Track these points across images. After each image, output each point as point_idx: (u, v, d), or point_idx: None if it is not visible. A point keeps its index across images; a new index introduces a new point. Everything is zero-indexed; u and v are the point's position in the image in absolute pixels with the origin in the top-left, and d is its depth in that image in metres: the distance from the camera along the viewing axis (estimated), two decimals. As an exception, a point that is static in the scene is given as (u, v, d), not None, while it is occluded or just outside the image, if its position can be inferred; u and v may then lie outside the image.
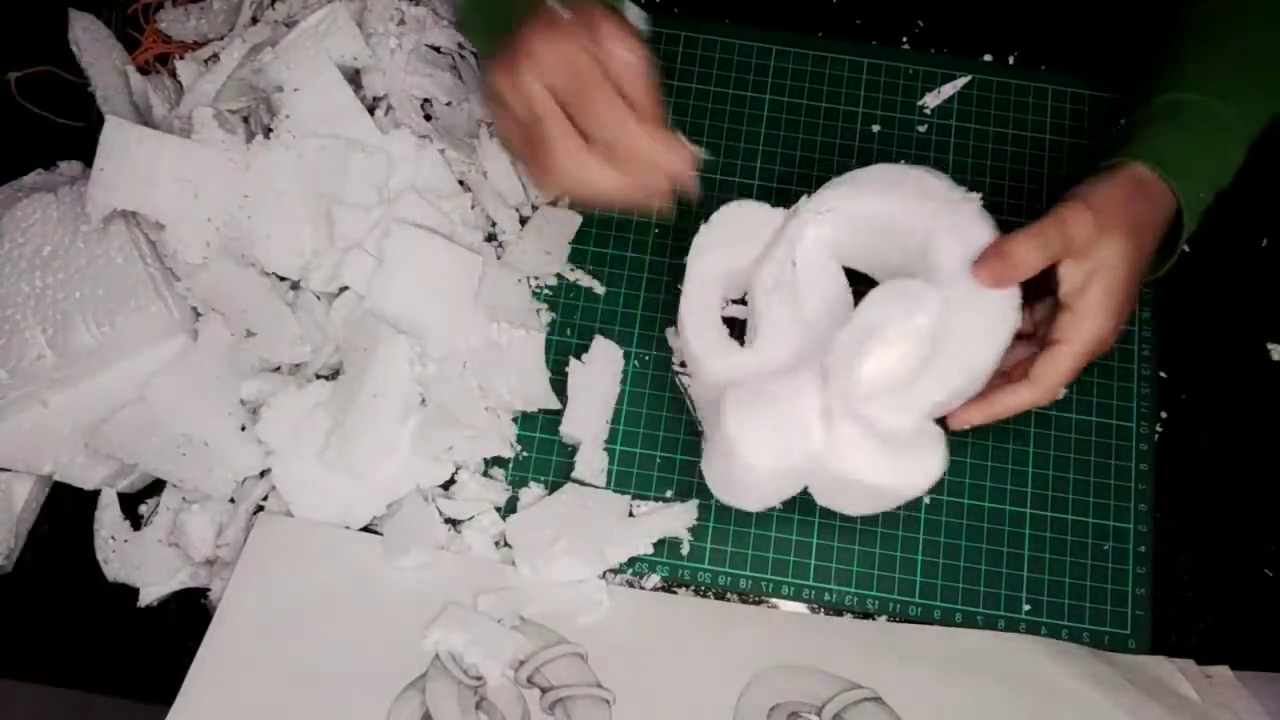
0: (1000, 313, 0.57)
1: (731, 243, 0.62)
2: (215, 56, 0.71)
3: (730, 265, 0.62)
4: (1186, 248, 0.62)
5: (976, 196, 0.60)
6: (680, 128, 0.72)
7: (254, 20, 0.73)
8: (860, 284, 0.65)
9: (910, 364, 0.57)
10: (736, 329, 0.64)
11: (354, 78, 0.70)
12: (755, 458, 0.55)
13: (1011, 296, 0.57)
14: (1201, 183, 0.58)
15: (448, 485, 0.64)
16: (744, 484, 0.59)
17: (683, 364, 0.65)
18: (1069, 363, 0.55)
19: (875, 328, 0.56)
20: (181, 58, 0.72)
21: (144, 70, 0.73)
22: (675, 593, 0.62)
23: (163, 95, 0.70)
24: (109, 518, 0.62)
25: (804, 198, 0.61)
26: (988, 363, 0.57)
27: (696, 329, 0.61)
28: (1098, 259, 0.55)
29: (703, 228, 0.63)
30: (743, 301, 0.65)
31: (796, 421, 0.56)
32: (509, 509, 0.63)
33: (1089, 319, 0.55)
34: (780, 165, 0.72)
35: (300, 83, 0.66)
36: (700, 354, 0.60)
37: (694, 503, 0.63)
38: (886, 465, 0.55)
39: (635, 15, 0.58)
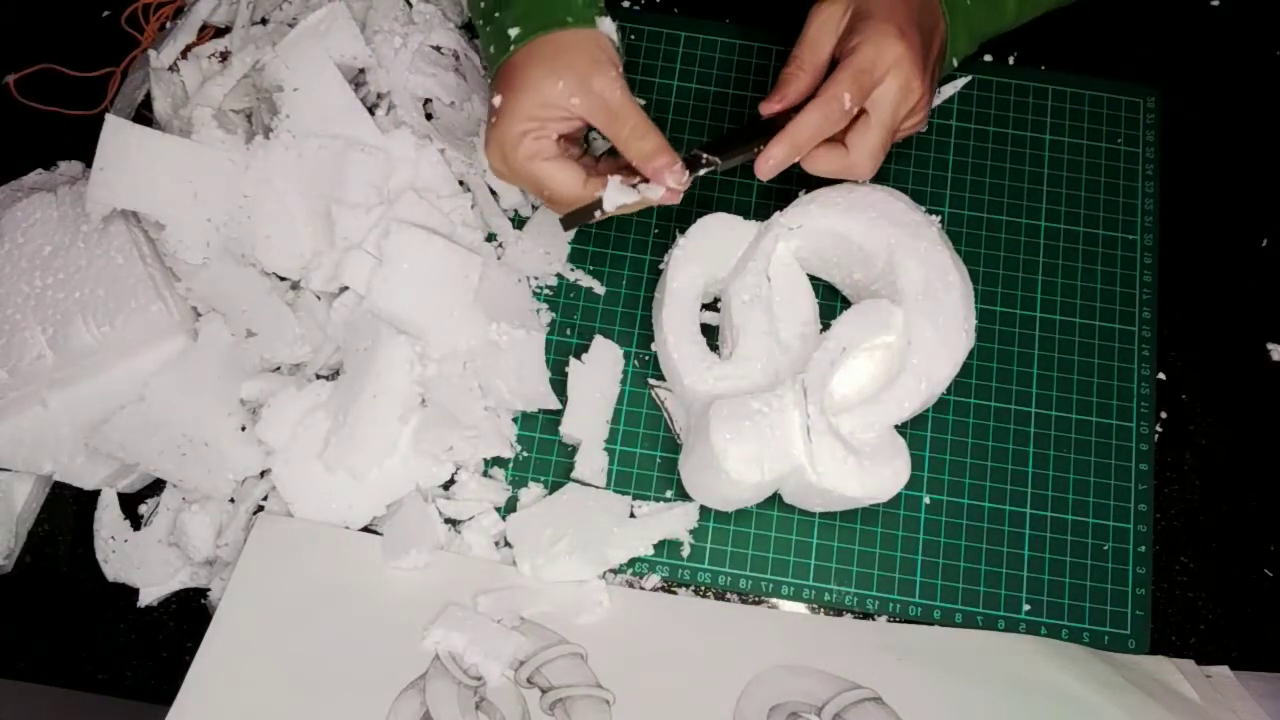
0: (957, 329, 0.61)
1: (708, 255, 0.64)
2: (221, 55, 0.71)
3: (708, 277, 0.64)
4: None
5: (935, 220, 0.63)
6: (680, 128, 0.73)
7: (263, 21, 0.73)
8: (831, 298, 0.68)
9: (880, 379, 0.61)
10: (709, 334, 0.65)
11: (358, 76, 0.71)
12: (742, 473, 0.57)
13: (967, 316, 0.61)
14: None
15: (448, 485, 0.64)
16: (726, 493, 0.60)
17: (660, 376, 0.66)
18: (878, 133, 0.59)
19: (848, 346, 0.60)
20: (186, 56, 0.72)
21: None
22: (675, 593, 0.62)
23: (166, 91, 0.70)
24: (109, 518, 0.62)
25: (776, 213, 0.63)
26: (947, 376, 0.61)
27: (677, 341, 0.62)
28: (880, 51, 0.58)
29: (680, 240, 0.64)
30: (713, 308, 0.66)
31: (781, 438, 0.58)
32: (509, 509, 0.63)
33: (889, 87, 0.58)
34: (780, 165, 0.72)
35: (300, 83, 0.66)
36: (681, 366, 0.62)
37: (695, 504, 0.63)
38: (860, 477, 0.58)
39: (610, 28, 0.60)
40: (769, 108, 0.60)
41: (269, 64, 0.66)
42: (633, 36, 0.75)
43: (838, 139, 0.60)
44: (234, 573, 0.60)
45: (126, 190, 0.62)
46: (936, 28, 0.61)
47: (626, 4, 0.76)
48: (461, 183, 0.69)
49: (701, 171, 0.60)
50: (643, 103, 0.72)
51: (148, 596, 0.61)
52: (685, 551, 0.63)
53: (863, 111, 0.59)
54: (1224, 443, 0.66)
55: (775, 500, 0.63)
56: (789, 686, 0.58)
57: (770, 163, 0.58)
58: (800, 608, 0.62)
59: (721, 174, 0.71)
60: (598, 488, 0.64)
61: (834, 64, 0.59)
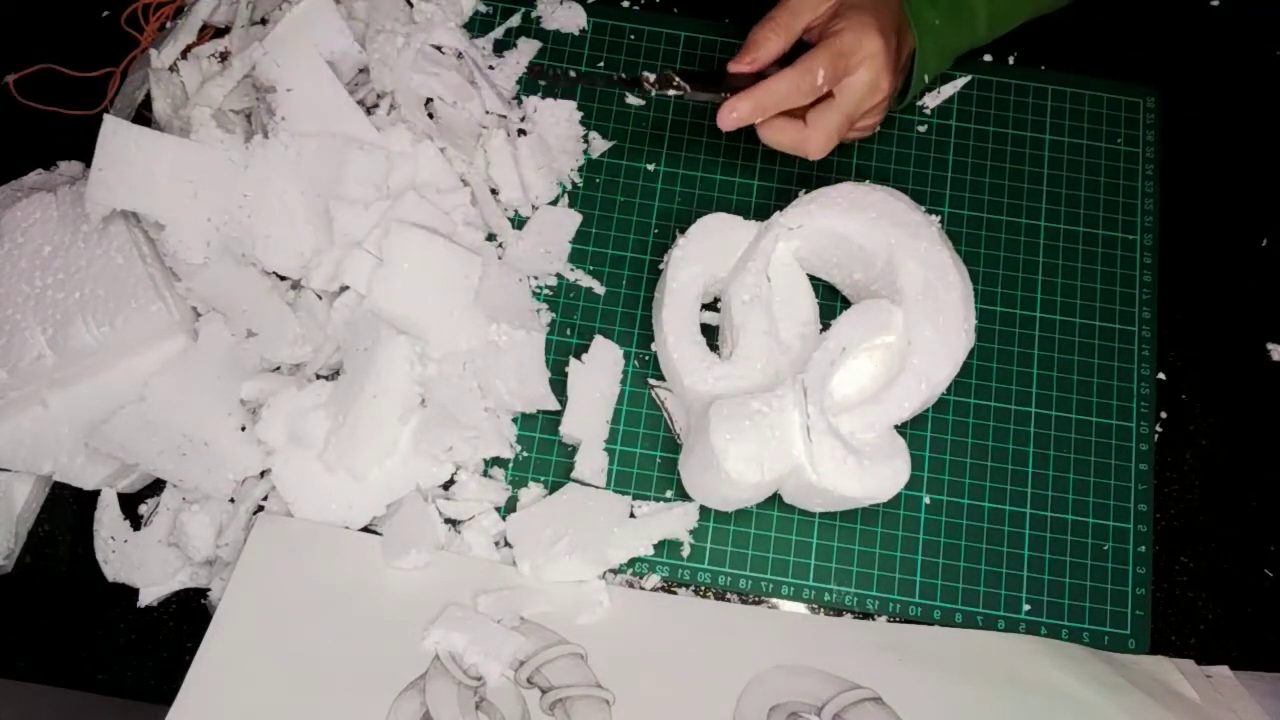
0: (957, 329, 0.60)
1: (708, 255, 0.64)
2: (221, 56, 0.71)
3: (708, 277, 0.64)
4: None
5: (935, 220, 0.63)
6: (680, 128, 0.73)
7: (263, 21, 0.73)
8: (831, 298, 0.68)
9: (880, 379, 0.61)
10: (709, 334, 0.65)
11: (358, 76, 0.71)
12: (741, 473, 0.57)
13: (967, 316, 0.61)
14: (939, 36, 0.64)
15: (448, 485, 0.64)
16: (726, 493, 0.60)
17: (660, 376, 0.66)
18: (839, 116, 0.61)
19: (848, 346, 0.60)
20: (185, 56, 0.72)
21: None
22: (675, 593, 0.62)
23: (166, 91, 0.70)
24: (109, 518, 0.62)
25: (776, 213, 0.64)
26: (947, 376, 0.60)
27: (676, 341, 0.62)
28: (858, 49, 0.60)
29: (680, 240, 0.65)
30: (713, 308, 0.66)
31: (781, 438, 0.58)
32: (509, 509, 0.63)
33: (861, 77, 0.60)
34: (780, 165, 0.72)
35: (293, 83, 0.66)
36: (681, 366, 0.62)
37: (695, 504, 0.63)
38: (860, 477, 0.58)
39: None
40: (738, 67, 0.61)
41: (260, 62, 0.66)
42: (632, 36, 0.75)
43: (798, 114, 0.61)
44: (234, 573, 0.60)
45: (126, 190, 0.62)
46: (905, 43, 0.63)
47: (626, 4, 0.76)
48: (465, 182, 0.69)
49: (670, 91, 0.62)
50: (641, 103, 0.73)
51: (148, 596, 0.61)
52: (685, 551, 0.63)
53: (829, 94, 0.60)
54: (1224, 443, 0.66)
55: (775, 500, 0.63)
56: (789, 686, 0.58)
57: (734, 115, 0.59)
58: (800, 608, 0.62)
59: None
60: (598, 488, 0.64)
61: (801, 45, 0.61)
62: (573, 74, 0.65)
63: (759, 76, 0.61)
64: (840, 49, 0.59)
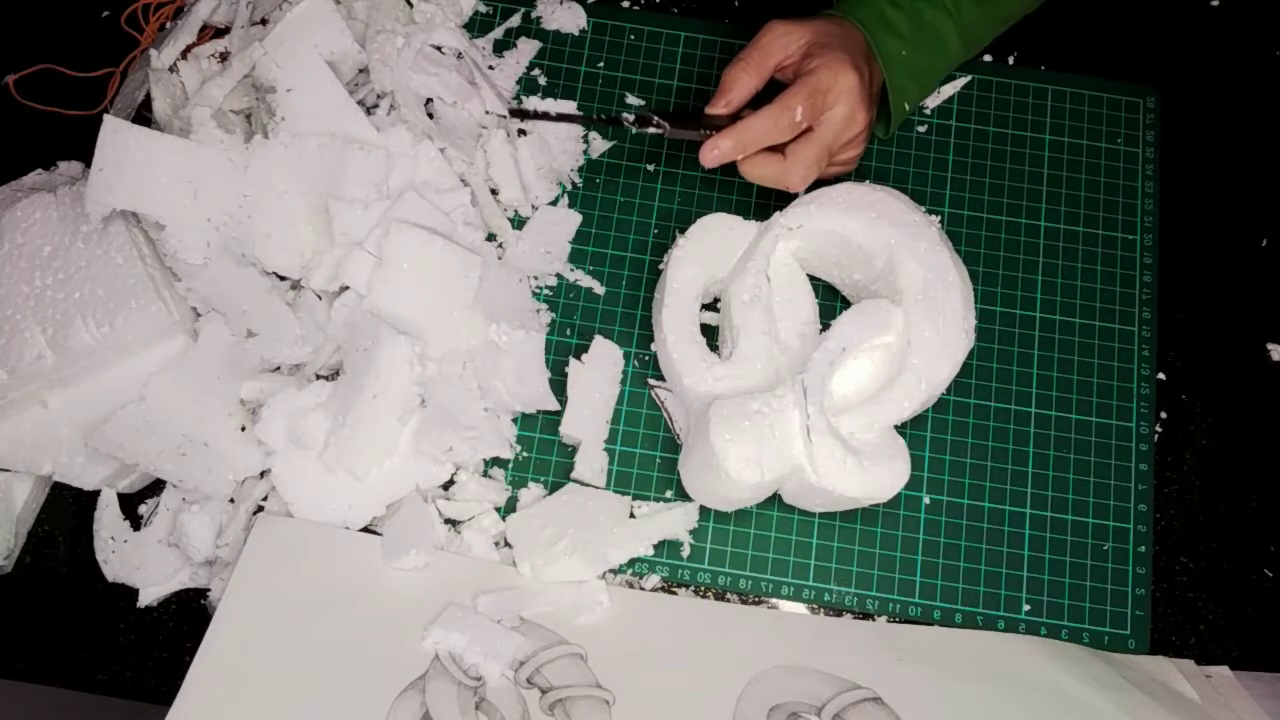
0: (957, 330, 0.61)
1: (708, 255, 0.65)
2: (221, 56, 0.71)
3: (708, 277, 0.64)
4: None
5: (935, 220, 0.64)
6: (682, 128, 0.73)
7: (263, 21, 0.73)
8: (831, 298, 0.68)
9: (880, 380, 0.61)
10: (709, 334, 0.65)
11: (358, 76, 0.71)
12: (741, 473, 0.57)
13: (967, 316, 0.61)
14: (904, 70, 0.65)
15: (447, 485, 0.64)
16: (726, 494, 0.60)
17: (659, 376, 0.66)
18: (818, 148, 0.62)
19: (848, 346, 0.60)
20: (185, 56, 0.72)
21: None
22: (675, 593, 0.62)
23: (166, 91, 0.70)
24: (109, 518, 0.62)
25: (776, 213, 0.64)
26: (947, 376, 0.61)
27: (676, 341, 0.62)
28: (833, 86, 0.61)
29: (680, 240, 0.65)
30: (713, 308, 0.66)
31: (781, 438, 0.58)
32: (509, 509, 0.63)
33: (838, 112, 0.62)
34: (780, 165, 0.72)
35: (293, 83, 0.66)
36: (681, 366, 0.62)
37: (695, 505, 0.63)
38: (860, 478, 0.58)
39: None
40: (714, 109, 0.63)
41: (259, 62, 0.66)
42: (632, 36, 0.75)
43: (778, 149, 0.62)
44: (234, 573, 0.60)
45: (126, 191, 0.62)
46: (875, 75, 0.64)
47: (626, 4, 0.76)
48: (464, 182, 0.69)
49: (650, 129, 0.63)
50: (641, 102, 0.73)
51: (148, 596, 0.61)
52: (685, 551, 0.63)
53: (808, 129, 0.61)
54: (1224, 443, 0.66)
55: (775, 500, 0.63)
56: (789, 686, 0.58)
57: (715, 152, 0.61)
58: (800, 608, 0.62)
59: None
60: (598, 488, 0.64)
61: (774, 84, 0.63)
62: (553, 114, 0.66)
63: (736, 116, 0.62)
64: (817, 86, 0.60)
